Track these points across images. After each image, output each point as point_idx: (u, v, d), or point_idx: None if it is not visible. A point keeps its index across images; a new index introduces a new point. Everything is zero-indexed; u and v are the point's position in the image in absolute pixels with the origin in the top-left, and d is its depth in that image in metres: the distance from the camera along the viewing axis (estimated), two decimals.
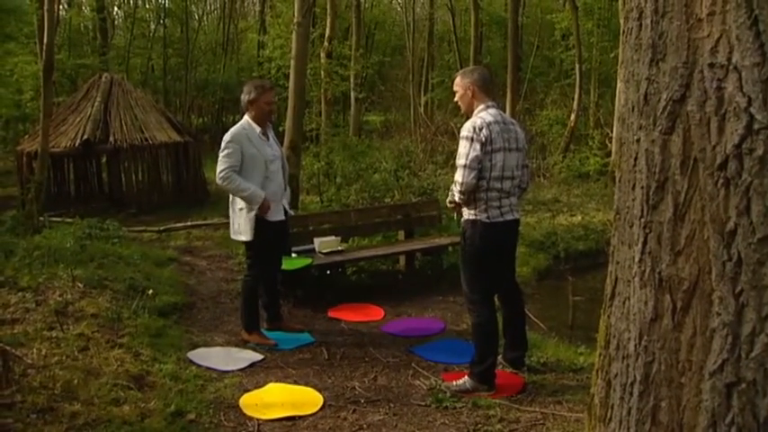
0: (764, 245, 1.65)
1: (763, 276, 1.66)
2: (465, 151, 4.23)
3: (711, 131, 1.70)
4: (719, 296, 1.72)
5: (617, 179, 2.16)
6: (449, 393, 4.39)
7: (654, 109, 1.84)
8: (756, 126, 1.62)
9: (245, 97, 5.25)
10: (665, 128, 1.80)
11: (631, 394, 1.99)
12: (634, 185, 1.95)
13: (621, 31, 2.05)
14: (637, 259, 1.94)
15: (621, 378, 2.06)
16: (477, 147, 4.20)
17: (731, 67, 1.65)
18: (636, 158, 1.93)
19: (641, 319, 1.93)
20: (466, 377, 4.46)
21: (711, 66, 1.69)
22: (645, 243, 1.90)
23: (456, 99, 4.58)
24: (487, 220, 4.33)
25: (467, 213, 4.42)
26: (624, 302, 2.05)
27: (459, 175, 4.26)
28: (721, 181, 1.69)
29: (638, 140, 1.91)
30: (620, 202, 2.10)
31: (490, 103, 4.41)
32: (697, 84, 1.72)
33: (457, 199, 4.36)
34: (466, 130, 4.27)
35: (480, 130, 4.22)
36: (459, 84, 4.50)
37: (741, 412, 1.72)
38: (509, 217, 4.43)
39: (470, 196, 4.30)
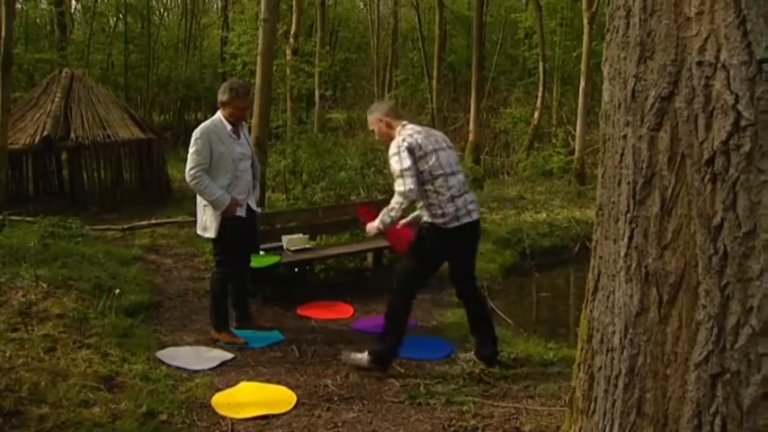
0: (750, 238, 1.69)
1: (748, 269, 1.70)
2: (398, 165, 4.38)
3: (699, 128, 1.73)
4: (705, 289, 1.76)
5: (600, 175, 2.18)
6: (352, 359, 4.76)
7: (641, 106, 1.87)
8: (743, 123, 1.66)
9: (220, 96, 5.18)
10: (652, 124, 1.83)
11: (616, 386, 2.02)
12: (620, 181, 1.98)
13: (606, 29, 2.07)
14: (622, 254, 1.97)
15: (606, 371, 2.09)
16: (407, 155, 4.37)
17: (719, 66, 1.69)
18: (622, 154, 1.95)
19: (627, 312, 1.96)
20: (366, 353, 4.72)
21: (700, 64, 1.73)
22: (631, 238, 1.93)
23: (378, 137, 4.83)
24: (444, 226, 4.43)
25: (425, 217, 4.55)
26: (608, 296, 2.08)
27: (399, 186, 4.38)
28: (708, 176, 1.73)
29: (624, 137, 1.94)
30: (604, 198, 2.12)
31: (405, 123, 4.66)
32: (685, 81, 1.76)
33: (396, 214, 4.45)
34: (392, 149, 4.45)
35: (404, 141, 4.42)
36: (372, 121, 4.78)
37: (725, 402, 1.76)
38: (466, 220, 4.49)
39: (410, 205, 4.43)
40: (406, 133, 4.51)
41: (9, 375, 4.06)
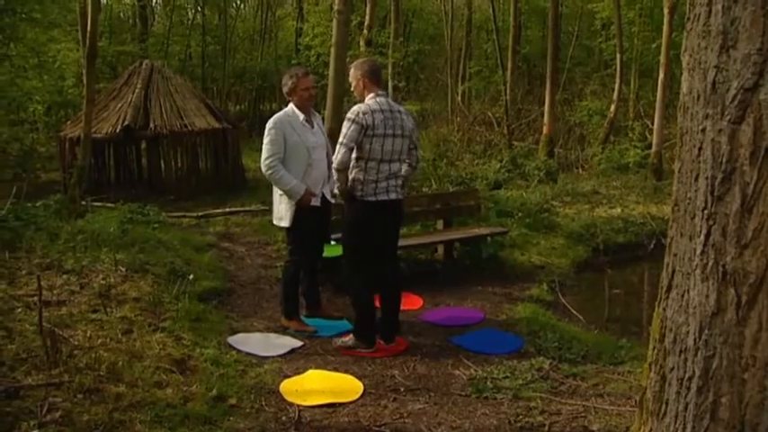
0: None
1: None
2: (345, 131, 4.69)
3: None
4: None
5: (676, 169, 2.11)
6: (341, 344, 5.04)
7: (722, 98, 1.79)
8: None
9: (284, 88, 5.29)
10: (734, 117, 1.75)
11: (689, 389, 1.95)
12: (697, 176, 1.90)
13: (686, 18, 1.99)
14: (698, 251, 1.89)
15: (678, 372, 2.02)
16: (355, 128, 4.64)
17: None
18: (700, 148, 1.88)
19: (702, 312, 1.89)
20: (351, 335, 5.06)
21: None
22: (708, 235, 1.85)
23: (351, 89, 5.08)
24: (362, 198, 4.77)
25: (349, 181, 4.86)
26: (683, 295, 2.01)
27: (336, 155, 4.73)
28: None
29: (703, 130, 1.86)
30: (680, 193, 2.05)
31: (380, 92, 4.87)
32: None
33: (334, 174, 4.86)
34: (351, 113, 4.73)
35: (364, 114, 4.68)
36: (352, 75, 4.99)
37: None
38: (383, 197, 4.81)
39: (346, 174, 4.76)
40: (371, 107, 4.73)
41: (89, 354, 4.22)
